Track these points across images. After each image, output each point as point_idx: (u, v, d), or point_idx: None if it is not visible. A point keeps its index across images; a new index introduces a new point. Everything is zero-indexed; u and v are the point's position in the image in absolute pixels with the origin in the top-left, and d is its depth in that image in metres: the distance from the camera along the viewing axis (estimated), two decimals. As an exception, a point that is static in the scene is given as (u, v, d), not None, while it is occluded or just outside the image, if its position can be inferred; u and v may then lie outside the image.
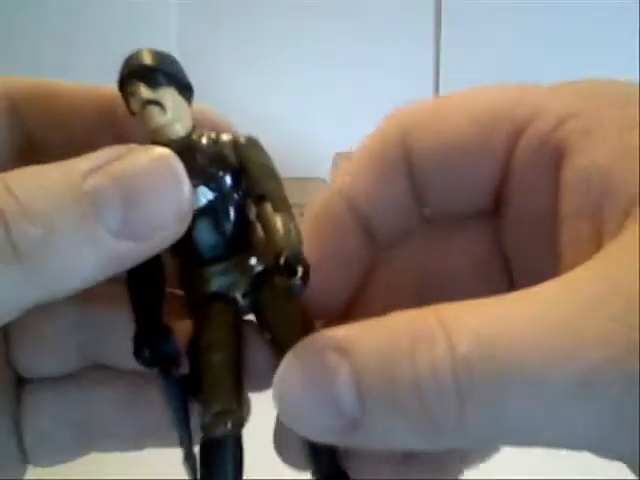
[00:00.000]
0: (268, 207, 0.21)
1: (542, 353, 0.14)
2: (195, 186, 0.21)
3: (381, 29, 0.76)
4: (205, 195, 0.21)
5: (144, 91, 0.21)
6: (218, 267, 0.22)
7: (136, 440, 0.24)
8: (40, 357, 0.23)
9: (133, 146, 0.19)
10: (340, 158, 0.78)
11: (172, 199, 0.19)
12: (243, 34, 0.76)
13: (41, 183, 0.17)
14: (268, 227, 0.21)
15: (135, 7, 0.74)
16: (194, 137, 0.22)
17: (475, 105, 0.21)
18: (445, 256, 0.22)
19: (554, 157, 0.18)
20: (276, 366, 0.19)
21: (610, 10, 0.83)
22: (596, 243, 0.16)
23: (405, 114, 0.22)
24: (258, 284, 0.23)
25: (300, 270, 0.20)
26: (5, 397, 0.23)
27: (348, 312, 0.23)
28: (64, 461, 0.24)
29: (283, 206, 0.21)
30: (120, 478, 0.45)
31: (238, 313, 0.23)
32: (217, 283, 0.23)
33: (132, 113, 0.21)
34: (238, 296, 0.23)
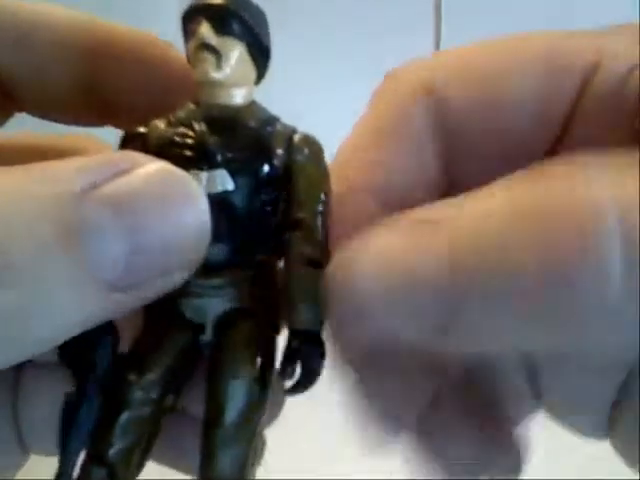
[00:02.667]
0: (298, 252, 0.17)
1: None
2: (214, 167, 0.16)
3: (381, 29, 0.76)
4: (223, 182, 0.16)
5: (205, 32, 0.16)
6: (209, 280, 0.17)
7: None
8: None
9: (136, 157, 0.15)
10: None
11: (186, 239, 0.15)
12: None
13: (26, 218, 0.13)
14: (292, 285, 0.17)
15: (135, 9, 0.74)
16: (244, 112, 0.17)
17: (525, 52, 0.17)
18: None
19: (632, 97, 0.16)
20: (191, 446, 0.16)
21: (611, 10, 0.82)
22: None
23: (427, 66, 0.17)
24: (230, 321, 0.18)
25: (316, 368, 0.16)
26: (3, 381, 0.21)
27: None
28: None
29: (317, 252, 0.17)
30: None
31: (197, 351, 0.18)
32: (184, 301, 0.18)
33: (188, 60, 0.17)
34: (209, 325, 0.18)
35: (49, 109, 0.21)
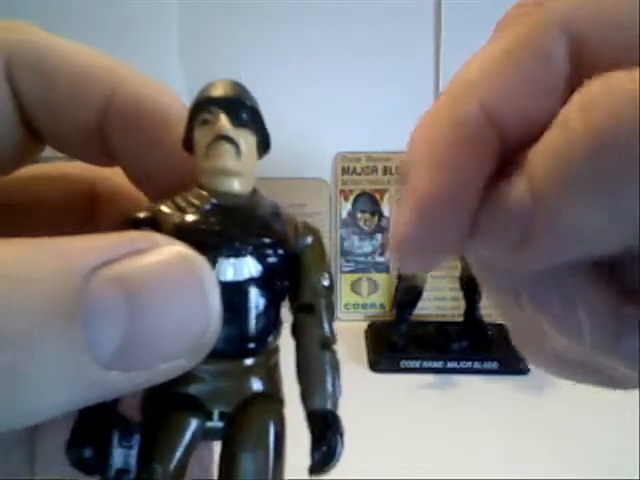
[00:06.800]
0: (315, 336, 0.18)
1: None
2: (240, 255, 0.17)
3: (381, 31, 0.76)
4: (249, 269, 0.17)
5: (225, 124, 0.17)
6: (214, 366, 0.17)
7: None
8: None
9: (156, 238, 0.15)
10: (340, 158, 0.78)
11: (193, 327, 0.15)
12: (245, 36, 0.76)
13: (31, 291, 0.13)
14: (311, 369, 0.18)
15: (136, 9, 0.74)
16: (252, 201, 0.18)
17: None
18: None
19: None
20: None
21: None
22: None
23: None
24: (245, 406, 0.17)
25: (339, 449, 0.17)
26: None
27: None
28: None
29: (330, 334, 0.18)
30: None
31: (202, 435, 0.17)
32: (200, 386, 0.17)
33: (186, 147, 0.18)
34: (215, 412, 0.17)
35: (64, 146, 0.21)
